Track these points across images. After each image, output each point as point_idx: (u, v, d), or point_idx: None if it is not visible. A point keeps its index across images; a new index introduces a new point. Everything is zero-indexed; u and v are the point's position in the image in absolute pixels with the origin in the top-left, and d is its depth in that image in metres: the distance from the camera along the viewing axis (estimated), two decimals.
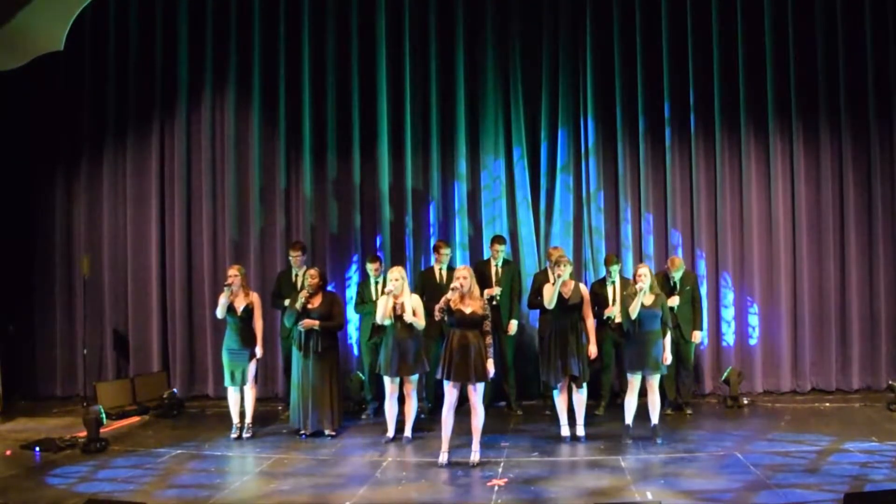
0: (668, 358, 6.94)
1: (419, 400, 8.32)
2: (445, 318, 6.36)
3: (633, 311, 6.80)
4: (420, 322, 7.02)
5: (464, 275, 6.38)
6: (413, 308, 7.00)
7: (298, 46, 9.21)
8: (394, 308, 6.95)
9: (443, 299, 6.35)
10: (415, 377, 7.14)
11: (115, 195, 9.45)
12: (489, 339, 6.38)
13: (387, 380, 7.17)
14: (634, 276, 6.96)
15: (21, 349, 9.37)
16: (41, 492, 5.87)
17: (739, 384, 8.47)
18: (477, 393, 6.38)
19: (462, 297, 6.33)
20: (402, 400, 7.22)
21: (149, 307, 9.29)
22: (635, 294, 6.81)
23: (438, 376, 6.47)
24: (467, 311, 6.32)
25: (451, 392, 6.37)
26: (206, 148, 9.29)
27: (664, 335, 6.93)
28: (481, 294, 6.65)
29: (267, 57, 9.26)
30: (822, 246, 8.91)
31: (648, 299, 6.84)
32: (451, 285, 6.37)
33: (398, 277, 6.96)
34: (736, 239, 9.00)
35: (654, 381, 6.91)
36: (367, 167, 9.20)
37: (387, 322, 7.01)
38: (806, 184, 8.93)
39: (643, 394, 6.97)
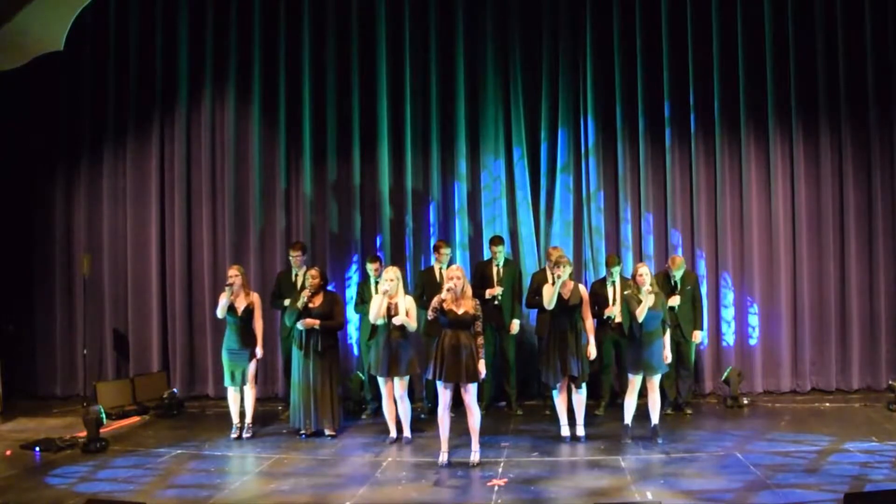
0: (668, 356, 6.94)
1: (419, 400, 8.36)
2: (439, 318, 6.35)
3: (641, 315, 6.73)
4: (412, 324, 7.01)
5: (457, 275, 6.35)
6: (406, 309, 6.99)
7: (298, 46, 9.21)
8: (388, 308, 6.96)
9: (436, 299, 6.34)
10: (405, 378, 7.13)
11: (115, 195, 9.45)
12: (481, 340, 6.37)
13: (381, 380, 7.17)
14: (634, 275, 6.93)
15: (21, 349, 9.38)
16: (41, 492, 5.86)
17: (739, 384, 8.47)
18: (469, 393, 6.35)
19: (455, 298, 6.31)
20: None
21: (149, 307, 9.29)
22: (638, 294, 6.75)
23: (429, 376, 6.47)
24: (460, 311, 6.30)
25: (443, 392, 6.36)
26: (206, 148, 9.29)
27: (663, 333, 6.92)
28: (481, 294, 6.62)
29: (267, 57, 9.26)
30: (822, 246, 8.92)
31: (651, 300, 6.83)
32: (445, 286, 6.35)
33: (393, 278, 6.94)
34: (736, 239, 9.00)
35: (655, 381, 6.90)
36: (368, 167, 9.21)
37: (379, 322, 7.00)
38: (806, 184, 8.94)
39: (643, 394, 6.97)
